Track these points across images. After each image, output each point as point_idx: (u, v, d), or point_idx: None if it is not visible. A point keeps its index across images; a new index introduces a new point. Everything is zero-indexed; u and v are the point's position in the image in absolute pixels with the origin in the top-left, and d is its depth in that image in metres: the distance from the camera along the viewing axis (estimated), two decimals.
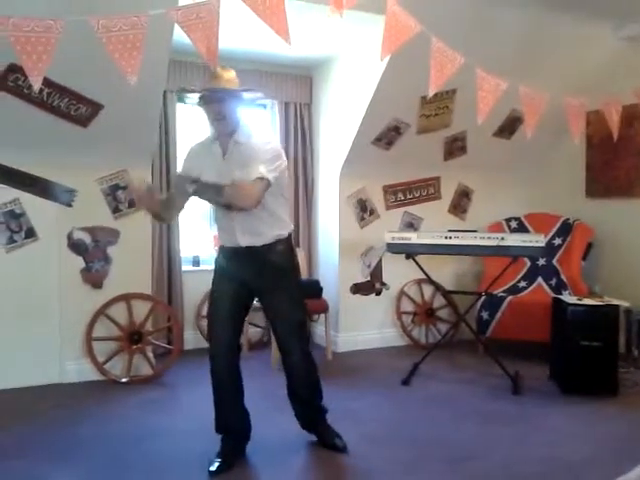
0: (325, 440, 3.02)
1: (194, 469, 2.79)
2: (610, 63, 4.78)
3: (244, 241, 2.77)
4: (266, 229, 2.80)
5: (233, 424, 2.92)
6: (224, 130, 2.74)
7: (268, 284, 2.83)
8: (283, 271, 2.86)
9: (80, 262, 4.14)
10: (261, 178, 2.61)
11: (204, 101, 2.72)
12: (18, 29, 2.22)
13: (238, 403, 2.92)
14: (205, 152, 2.83)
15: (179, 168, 2.98)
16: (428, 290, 5.37)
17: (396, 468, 2.82)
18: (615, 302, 4.03)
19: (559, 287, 4.90)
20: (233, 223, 2.77)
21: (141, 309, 4.28)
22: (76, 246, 4.12)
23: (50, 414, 3.51)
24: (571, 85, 4.35)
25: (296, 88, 5.24)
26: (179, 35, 2.61)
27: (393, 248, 4.22)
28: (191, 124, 5.18)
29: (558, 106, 3.53)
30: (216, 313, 2.85)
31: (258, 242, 2.78)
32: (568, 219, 5.20)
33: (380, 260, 4.74)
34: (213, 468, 2.75)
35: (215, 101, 2.68)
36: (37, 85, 2.29)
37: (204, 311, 5.04)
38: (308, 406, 3.02)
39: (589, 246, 5.10)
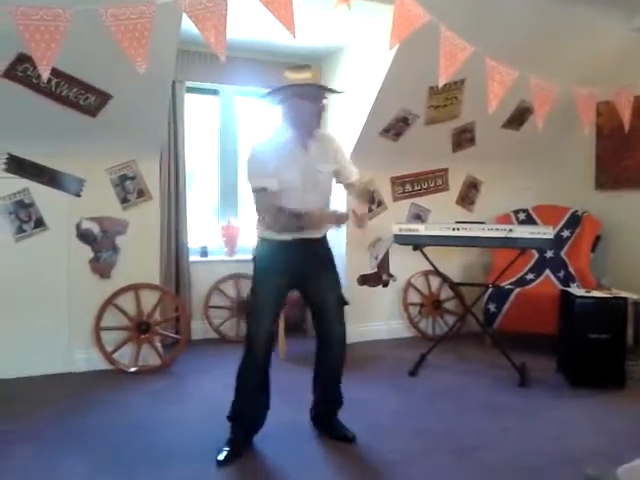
0: (335, 431, 3.04)
1: (201, 458, 2.81)
2: (621, 53, 4.73)
3: (315, 233, 2.86)
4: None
5: (251, 412, 2.92)
6: (317, 126, 2.81)
7: (318, 268, 2.93)
8: (331, 257, 3.01)
9: (89, 252, 4.16)
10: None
11: (309, 97, 2.74)
12: (27, 18, 2.23)
13: (264, 391, 2.95)
14: (281, 150, 2.77)
15: (257, 181, 2.74)
16: (435, 282, 5.37)
17: (403, 458, 2.83)
18: (623, 294, 4.02)
19: (567, 279, 4.88)
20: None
21: (149, 299, 4.30)
22: (85, 236, 4.14)
23: (59, 403, 3.53)
24: (581, 75, 4.31)
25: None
26: (187, 24, 2.61)
27: (400, 239, 4.21)
28: (199, 115, 5.19)
29: (568, 97, 3.50)
30: (264, 305, 2.85)
31: (321, 234, 2.93)
32: (577, 211, 5.18)
33: (387, 251, 4.73)
34: (221, 457, 2.76)
35: (321, 98, 2.79)
36: (46, 74, 2.30)
37: (212, 301, 5.08)
38: (334, 388, 3.05)
39: (598, 238, 5.07)
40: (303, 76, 2.75)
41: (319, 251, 2.95)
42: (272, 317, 2.89)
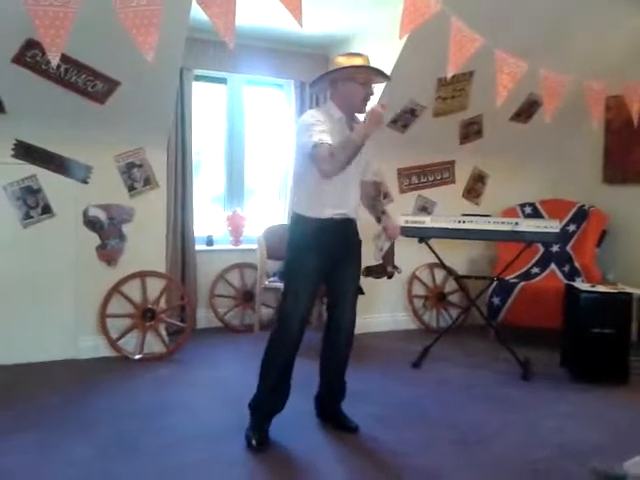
0: (338, 421, 3.06)
1: (206, 443, 2.83)
2: (633, 47, 4.70)
3: (353, 213, 2.93)
4: (357, 203, 3.00)
5: (274, 398, 2.91)
6: (363, 111, 2.81)
7: (351, 257, 3.00)
8: (360, 245, 3.07)
9: (95, 239, 4.17)
10: None
11: (366, 80, 2.82)
12: (36, 3, 2.22)
13: (287, 379, 2.94)
14: (331, 124, 2.79)
15: (317, 136, 2.68)
16: (440, 274, 5.37)
17: (405, 449, 2.84)
18: (628, 290, 4.02)
19: (572, 274, 4.88)
20: (350, 195, 2.89)
21: (155, 287, 4.32)
22: (92, 223, 4.15)
23: (64, 389, 3.56)
24: (592, 69, 4.27)
25: (312, 67, 5.16)
26: (196, 12, 2.60)
27: (406, 231, 4.20)
28: (207, 104, 5.19)
29: (577, 90, 3.48)
30: (301, 287, 2.83)
31: (355, 214, 2.98)
32: (583, 205, 5.16)
33: (393, 243, 4.73)
34: (255, 442, 2.79)
35: (372, 83, 2.86)
36: (55, 61, 2.30)
37: (217, 290, 5.10)
38: (340, 377, 3.07)
39: (604, 233, 5.06)
40: (355, 61, 2.84)
41: (354, 236, 3.01)
42: (309, 302, 2.87)
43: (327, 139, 2.67)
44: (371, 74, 2.86)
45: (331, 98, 2.92)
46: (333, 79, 2.88)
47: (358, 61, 2.84)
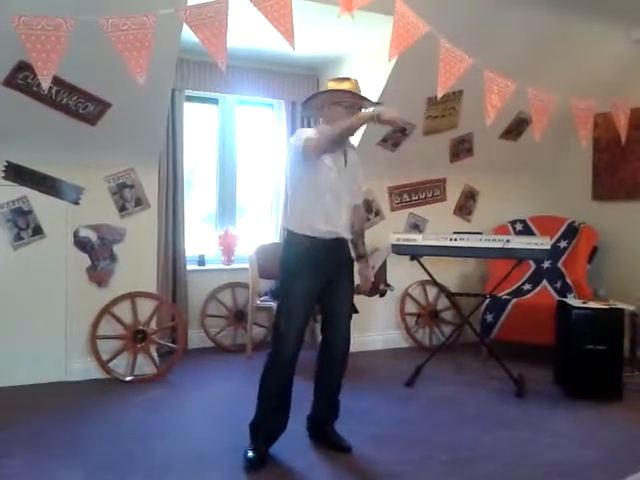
0: (331, 440, 3.04)
1: (197, 467, 2.80)
2: (620, 65, 4.77)
3: (344, 232, 2.93)
4: (348, 223, 3.00)
5: (274, 420, 2.91)
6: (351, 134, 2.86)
7: (344, 274, 2.99)
8: (352, 262, 3.08)
9: (86, 260, 4.15)
10: None
11: (350, 105, 2.88)
12: (29, 27, 2.24)
13: (286, 400, 2.94)
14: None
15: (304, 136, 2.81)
16: (432, 292, 5.37)
17: (399, 469, 2.82)
18: (620, 306, 4.03)
19: (564, 290, 4.89)
20: (340, 213, 2.88)
21: (146, 308, 4.29)
22: (82, 244, 4.14)
23: (55, 412, 3.51)
24: (580, 87, 4.34)
25: (303, 88, 5.22)
26: (187, 33, 2.62)
27: (398, 249, 4.22)
28: (198, 124, 5.21)
29: (566, 108, 3.52)
30: (295, 308, 2.84)
31: (347, 235, 2.98)
32: (574, 222, 5.20)
33: (385, 261, 4.74)
34: (249, 461, 2.78)
35: (357, 107, 2.91)
36: (46, 84, 2.31)
37: (209, 310, 5.07)
38: (334, 397, 3.06)
39: (594, 249, 5.09)
40: (343, 86, 2.92)
41: (346, 256, 3.02)
42: (303, 322, 2.87)
43: (313, 136, 2.78)
44: (356, 99, 2.92)
45: (322, 122, 3.02)
46: (321, 103, 2.95)
47: (346, 85, 2.92)
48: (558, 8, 4.01)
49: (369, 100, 2.97)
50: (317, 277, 2.86)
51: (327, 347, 3.03)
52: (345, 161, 2.92)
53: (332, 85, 2.96)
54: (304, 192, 2.87)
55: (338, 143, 2.79)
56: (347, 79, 2.98)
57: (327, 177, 2.83)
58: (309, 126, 5.18)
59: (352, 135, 2.85)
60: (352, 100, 2.90)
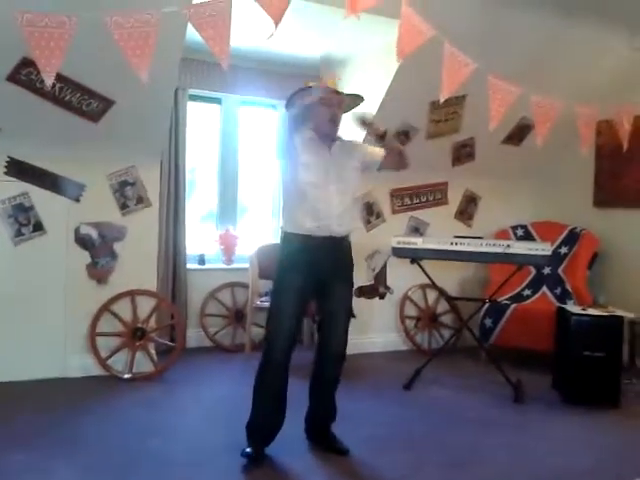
0: (328, 443, 3.04)
1: (195, 465, 2.80)
2: (623, 72, 4.76)
3: (337, 226, 2.88)
4: (350, 217, 2.98)
5: (269, 422, 2.91)
6: (333, 132, 2.90)
7: (340, 276, 2.96)
8: (351, 264, 3.03)
9: (86, 257, 4.15)
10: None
11: (327, 104, 2.87)
12: (32, 24, 2.24)
13: (281, 401, 2.93)
14: (307, 141, 2.89)
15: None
16: (432, 295, 5.37)
17: (395, 472, 2.82)
18: (619, 313, 4.02)
19: (564, 296, 4.89)
20: (331, 203, 2.86)
21: (145, 306, 4.29)
22: (83, 241, 4.14)
23: (52, 409, 3.51)
24: (583, 94, 4.33)
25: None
26: (192, 32, 2.62)
27: (398, 252, 4.22)
28: (201, 123, 5.21)
29: (568, 114, 3.52)
30: (284, 306, 2.86)
31: (344, 230, 2.93)
32: (575, 228, 5.19)
33: (385, 264, 4.74)
34: (246, 460, 2.78)
35: (336, 104, 2.90)
36: (49, 81, 2.32)
37: (208, 309, 5.07)
38: (330, 398, 3.05)
39: (595, 256, 5.08)
40: (328, 85, 2.94)
41: (343, 257, 2.98)
42: (293, 321, 2.87)
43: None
44: (334, 96, 2.91)
45: (307, 124, 2.98)
46: (301, 106, 2.91)
47: (327, 84, 2.97)
48: (562, 15, 4.01)
49: (347, 94, 3.00)
50: (308, 276, 2.85)
51: (323, 348, 3.02)
52: (330, 152, 2.93)
53: (310, 83, 3.00)
54: (289, 192, 2.94)
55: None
56: (329, 78, 3.08)
57: (307, 173, 2.84)
58: None
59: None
60: (329, 97, 2.89)
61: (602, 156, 5.15)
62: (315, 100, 2.84)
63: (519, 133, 5.11)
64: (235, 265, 5.20)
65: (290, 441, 3.03)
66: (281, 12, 2.41)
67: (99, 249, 4.17)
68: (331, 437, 3.06)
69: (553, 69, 4.49)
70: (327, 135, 2.93)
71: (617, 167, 5.03)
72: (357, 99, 3.06)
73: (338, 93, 2.94)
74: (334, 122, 2.91)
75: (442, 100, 3.00)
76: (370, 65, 4.64)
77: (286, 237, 2.93)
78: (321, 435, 3.08)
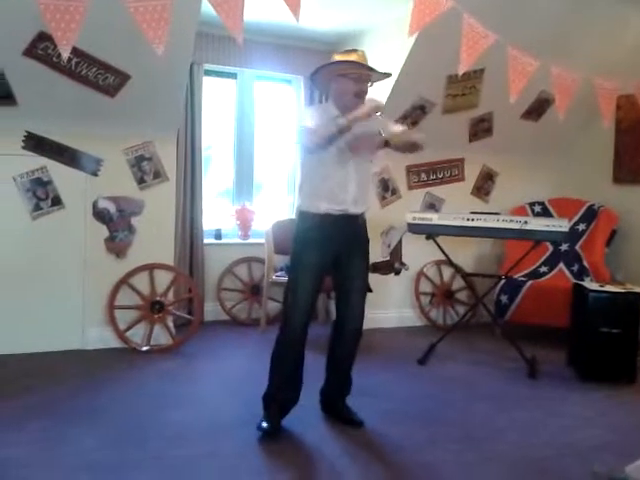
0: (343, 414, 3.08)
1: (212, 436, 2.85)
2: None
3: (353, 207, 2.88)
4: (366, 197, 2.98)
5: (286, 392, 2.95)
6: (359, 105, 2.81)
7: (356, 251, 2.97)
8: (367, 240, 3.04)
9: (104, 231, 4.19)
10: None
11: (357, 76, 2.82)
12: None
13: (298, 372, 2.98)
14: (327, 121, 2.78)
15: (304, 121, 2.81)
16: (447, 272, 5.36)
17: (410, 444, 2.85)
18: (637, 290, 3.99)
19: (581, 273, 4.86)
20: (347, 188, 2.85)
21: (163, 279, 4.34)
22: (101, 215, 4.18)
23: (71, 379, 3.59)
24: (603, 67, 4.24)
25: (321, 63, 5.13)
26: (207, 7, 2.61)
27: (414, 228, 4.20)
28: (217, 98, 5.20)
29: (588, 88, 3.46)
30: (301, 282, 2.87)
31: (360, 209, 2.93)
32: (593, 204, 5.13)
33: (400, 240, 4.73)
34: (263, 430, 2.83)
35: (364, 79, 2.84)
36: (66, 54, 2.32)
37: (225, 283, 5.12)
38: (346, 373, 3.09)
39: (613, 233, 5.03)
40: (350, 57, 2.85)
41: (359, 233, 2.98)
42: (310, 297, 2.89)
43: (311, 124, 2.74)
44: (363, 70, 2.85)
45: (331, 96, 2.95)
46: (328, 76, 2.89)
47: (353, 57, 2.85)
48: None
49: (376, 71, 2.90)
50: (325, 252, 2.87)
51: (340, 323, 3.05)
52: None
53: (338, 57, 2.90)
54: (310, 173, 2.91)
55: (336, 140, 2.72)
56: (354, 51, 2.91)
57: (331, 155, 2.80)
58: (327, 100, 5.14)
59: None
60: (359, 72, 2.84)
61: (622, 131, 5.06)
62: (343, 73, 2.81)
63: (538, 108, 5.03)
64: (251, 240, 5.23)
65: (305, 413, 3.07)
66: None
67: (117, 223, 4.21)
68: (346, 409, 3.09)
69: (574, 42, 4.39)
70: (351, 110, 2.85)
71: (637, 143, 4.94)
72: (384, 76, 2.99)
73: (368, 69, 2.87)
74: (360, 97, 2.85)
75: (460, 73, 2.96)
76: (386, 38, 4.58)
77: (303, 216, 2.93)
78: (336, 407, 3.12)
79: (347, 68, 2.83)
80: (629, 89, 3.77)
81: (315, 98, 5.21)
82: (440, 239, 4.19)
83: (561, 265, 5.02)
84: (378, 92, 4.61)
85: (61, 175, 4.04)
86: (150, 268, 4.29)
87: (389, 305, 5.22)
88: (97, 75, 3.73)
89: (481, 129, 5.13)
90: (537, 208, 5.34)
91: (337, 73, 2.85)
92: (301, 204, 2.96)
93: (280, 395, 2.94)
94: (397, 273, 4.78)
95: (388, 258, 4.78)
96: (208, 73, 5.01)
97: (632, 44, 4.62)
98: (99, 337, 4.19)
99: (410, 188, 5.24)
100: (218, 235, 5.20)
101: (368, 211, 3.05)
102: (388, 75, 3.00)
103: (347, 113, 2.75)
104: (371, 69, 2.87)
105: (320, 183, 2.85)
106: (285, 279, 4.49)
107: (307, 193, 2.92)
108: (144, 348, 4.19)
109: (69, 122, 3.93)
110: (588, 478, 2.47)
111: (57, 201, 4.06)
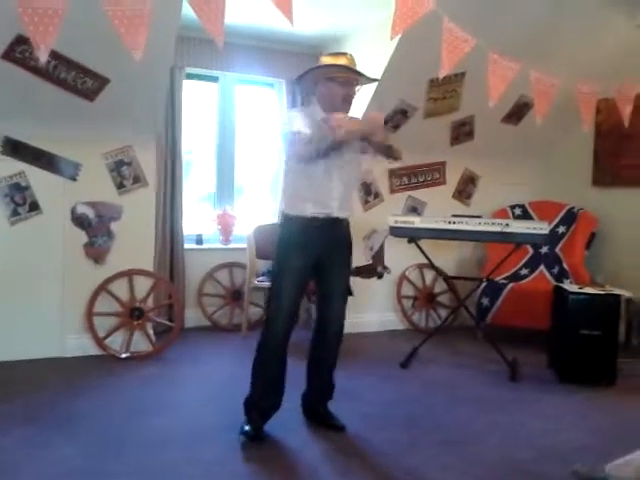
0: (325, 420, 3.06)
1: (192, 442, 2.82)
2: (624, 50, 4.70)
3: (339, 211, 2.86)
4: (350, 201, 2.97)
5: (267, 398, 2.92)
6: (346, 111, 2.81)
7: (338, 258, 2.96)
8: (350, 247, 3.02)
9: (83, 237, 4.14)
10: None
11: (345, 80, 2.81)
12: (25, 1, 2.20)
13: (280, 378, 2.95)
14: (312, 124, 2.77)
15: (290, 126, 2.75)
16: (429, 275, 5.38)
17: (392, 449, 2.84)
18: (616, 292, 4.03)
19: (561, 275, 4.90)
20: (332, 192, 2.82)
21: (143, 285, 4.29)
22: (80, 220, 4.12)
23: (50, 387, 3.53)
24: (583, 72, 4.28)
25: (304, 66, 5.08)
26: (188, 10, 2.58)
27: (396, 232, 4.21)
28: (198, 101, 5.17)
29: (568, 92, 3.49)
30: (284, 287, 2.84)
31: (344, 214, 2.91)
32: (573, 207, 5.19)
33: (382, 244, 4.74)
34: (246, 436, 2.82)
35: (351, 83, 2.83)
36: (43, 58, 2.28)
37: (206, 289, 5.08)
38: (327, 377, 3.08)
39: (593, 235, 5.09)
40: (338, 61, 2.83)
41: (343, 237, 2.97)
42: (293, 302, 2.87)
43: (306, 131, 2.70)
44: (351, 74, 2.84)
45: (316, 99, 2.93)
46: (315, 79, 2.88)
47: (342, 61, 2.83)
48: None
49: (365, 76, 2.90)
50: (308, 255, 2.85)
51: (321, 327, 3.04)
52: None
53: (327, 60, 2.87)
54: (295, 176, 2.87)
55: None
56: (343, 54, 2.90)
57: (311, 174, 2.78)
58: (309, 104, 5.14)
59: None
60: (347, 76, 2.83)
61: (601, 135, 5.13)
62: (331, 77, 2.80)
63: (518, 112, 5.07)
64: (233, 245, 5.20)
65: (287, 417, 3.05)
66: (288, 2, 2.39)
67: (96, 228, 4.16)
68: (328, 414, 3.08)
69: (554, 45, 4.43)
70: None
71: (616, 146, 5.01)
72: (372, 81, 2.98)
73: (357, 73, 2.86)
74: (347, 102, 2.84)
75: (442, 76, 2.97)
76: (369, 41, 4.59)
77: (286, 219, 2.90)
78: (318, 412, 3.10)
79: (336, 72, 2.82)
80: (609, 93, 3.80)
81: (297, 102, 5.20)
82: (422, 242, 4.19)
83: (542, 267, 5.06)
84: (360, 96, 4.63)
85: (39, 180, 3.99)
86: (129, 274, 4.24)
87: (371, 309, 5.22)
88: (76, 79, 3.68)
89: (462, 133, 5.16)
90: (518, 211, 5.38)
91: (325, 76, 2.83)
92: (285, 208, 2.93)
93: (262, 402, 2.92)
94: (379, 277, 4.79)
95: (370, 262, 4.79)
96: (189, 76, 4.99)
97: (612, 48, 4.67)
98: (78, 344, 4.13)
99: (392, 192, 5.25)
100: (199, 240, 5.16)
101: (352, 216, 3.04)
102: (376, 80, 3.00)
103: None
104: (360, 74, 2.87)
105: (306, 187, 2.82)
106: (267, 284, 4.51)
107: (292, 197, 2.89)
108: (123, 355, 4.14)
109: (47, 126, 3.87)
110: (570, 478, 2.49)
111: (35, 206, 4.00)
